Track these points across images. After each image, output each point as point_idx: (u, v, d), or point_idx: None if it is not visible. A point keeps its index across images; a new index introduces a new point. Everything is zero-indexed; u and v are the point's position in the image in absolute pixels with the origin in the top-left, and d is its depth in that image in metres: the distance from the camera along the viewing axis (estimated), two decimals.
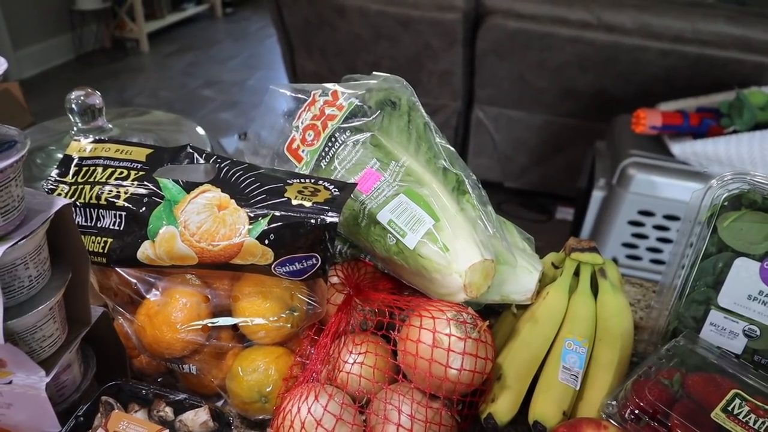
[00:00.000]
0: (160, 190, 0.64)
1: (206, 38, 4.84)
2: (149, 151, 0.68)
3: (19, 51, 3.79)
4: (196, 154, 0.67)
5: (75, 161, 0.68)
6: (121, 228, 0.64)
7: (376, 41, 2.33)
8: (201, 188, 0.63)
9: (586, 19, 2.10)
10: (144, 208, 0.63)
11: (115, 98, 3.66)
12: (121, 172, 0.66)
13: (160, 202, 0.63)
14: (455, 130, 2.51)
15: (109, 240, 0.64)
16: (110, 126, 0.85)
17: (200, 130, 0.96)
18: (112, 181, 0.65)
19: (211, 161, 0.66)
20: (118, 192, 0.64)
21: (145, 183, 0.64)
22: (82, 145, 0.69)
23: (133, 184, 0.65)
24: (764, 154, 1.56)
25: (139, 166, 0.67)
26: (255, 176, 0.64)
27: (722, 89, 1.78)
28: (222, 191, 0.62)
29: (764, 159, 1.56)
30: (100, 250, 0.64)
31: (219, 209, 0.61)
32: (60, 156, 0.69)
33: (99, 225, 0.65)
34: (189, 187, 0.63)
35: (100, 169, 0.67)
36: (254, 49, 4.61)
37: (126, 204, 0.63)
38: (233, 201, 0.61)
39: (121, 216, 0.64)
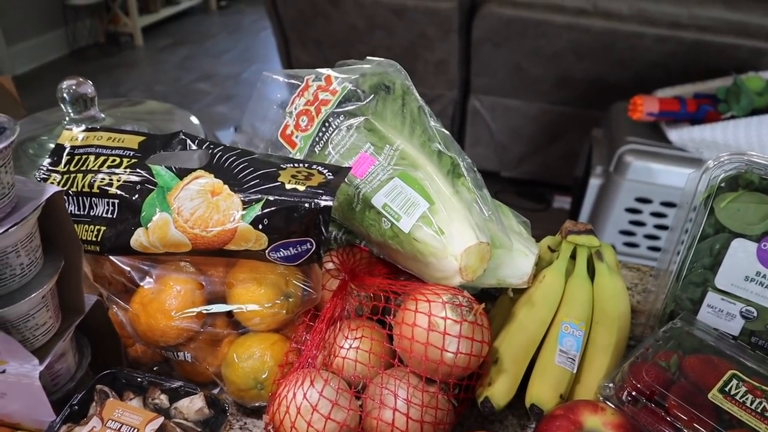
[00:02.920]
0: (153, 177, 0.63)
1: (200, 32, 4.82)
2: (142, 138, 0.68)
3: (13, 47, 3.76)
4: (188, 141, 0.67)
5: (67, 150, 0.68)
6: (114, 216, 0.63)
7: (371, 31, 2.31)
8: (194, 174, 0.62)
9: (582, 5, 2.09)
10: (137, 196, 0.62)
11: (110, 93, 3.64)
12: (114, 160, 0.66)
13: (153, 189, 0.62)
14: (451, 119, 2.50)
15: (103, 228, 0.63)
16: (103, 116, 0.84)
17: (194, 120, 0.96)
18: (104, 169, 0.65)
19: (203, 147, 0.65)
20: (111, 180, 0.64)
21: (138, 170, 0.64)
22: (74, 134, 0.68)
23: (125, 171, 0.64)
24: (762, 140, 1.56)
25: (132, 153, 0.66)
26: (248, 161, 0.63)
27: (719, 75, 1.77)
28: (215, 177, 0.62)
29: (762, 144, 1.56)
30: (94, 239, 0.63)
31: (212, 195, 0.60)
32: (52, 146, 0.69)
33: (92, 213, 0.64)
34: (182, 173, 0.63)
35: (92, 158, 0.66)
36: (249, 42, 4.59)
37: (119, 192, 0.63)
38: (226, 186, 0.61)
39: (114, 204, 0.63)
